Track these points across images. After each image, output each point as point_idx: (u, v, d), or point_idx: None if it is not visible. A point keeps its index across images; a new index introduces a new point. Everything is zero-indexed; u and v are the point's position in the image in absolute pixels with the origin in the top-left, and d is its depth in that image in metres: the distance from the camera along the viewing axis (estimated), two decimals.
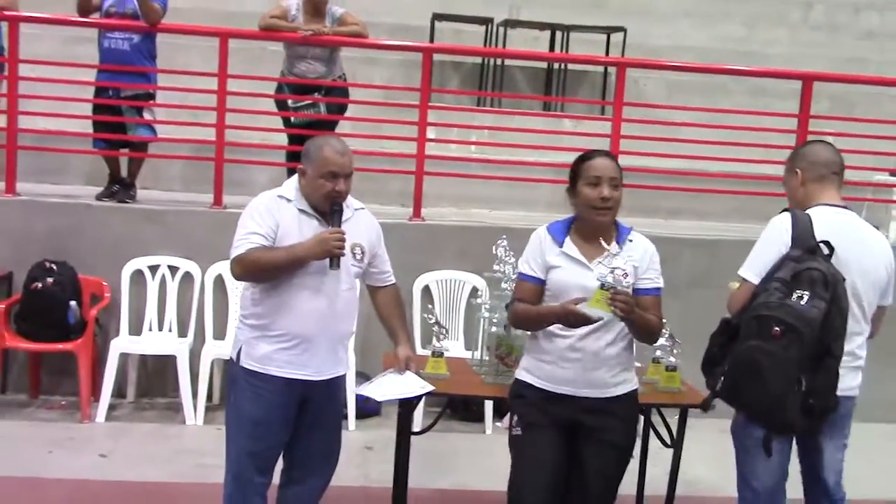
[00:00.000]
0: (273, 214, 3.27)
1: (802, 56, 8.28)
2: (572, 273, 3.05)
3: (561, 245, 3.10)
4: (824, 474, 3.37)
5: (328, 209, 3.30)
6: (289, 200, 3.31)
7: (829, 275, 3.04)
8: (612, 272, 2.87)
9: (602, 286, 2.85)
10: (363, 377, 5.49)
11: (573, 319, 2.93)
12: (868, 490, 4.91)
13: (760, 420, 3.14)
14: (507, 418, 5.63)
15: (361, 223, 3.44)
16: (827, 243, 3.13)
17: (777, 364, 2.94)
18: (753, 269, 3.20)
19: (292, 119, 6.10)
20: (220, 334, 5.59)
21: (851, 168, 6.57)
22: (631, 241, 3.10)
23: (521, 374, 3.21)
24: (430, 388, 3.46)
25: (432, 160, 6.10)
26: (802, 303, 2.96)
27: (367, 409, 5.48)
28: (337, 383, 3.45)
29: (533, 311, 3.10)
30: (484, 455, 5.19)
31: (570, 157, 6.69)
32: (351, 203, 3.41)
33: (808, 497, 3.44)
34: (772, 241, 3.23)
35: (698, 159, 6.44)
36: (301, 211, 3.30)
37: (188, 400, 5.38)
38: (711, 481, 4.82)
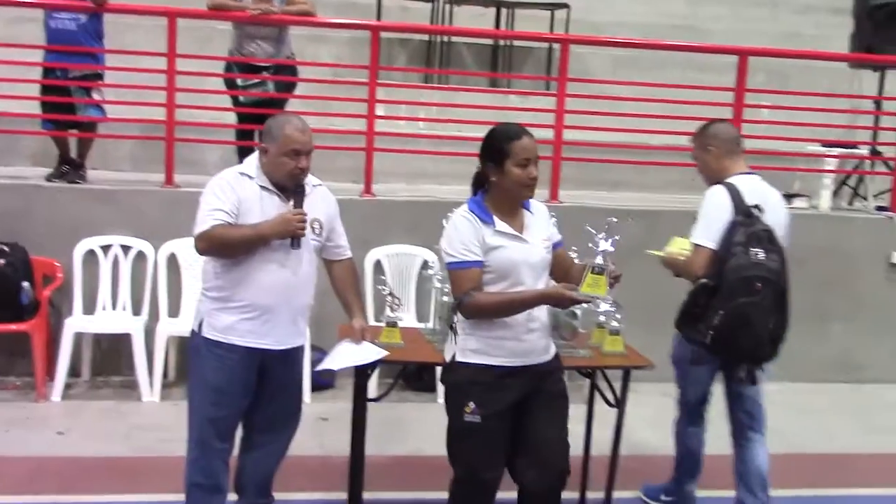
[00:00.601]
0: (235, 191, 3.37)
1: (743, 32, 8.51)
2: (516, 250, 3.11)
3: (491, 224, 3.10)
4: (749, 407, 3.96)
5: (291, 187, 3.41)
6: (250, 177, 3.42)
7: (771, 231, 3.67)
8: (601, 255, 3.00)
9: (593, 270, 2.97)
10: (317, 350, 5.61)
11: (567, 303, 3.05)
12: (798, 444, 5.20)
13: (746, 359, 3.74)
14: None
15: (319, 199, 3.56)
16: (757, 206, 3.65)
17: (760, 312, 3.59)
18: (707, 236, 3.68)
19: (241, 98, 6.14)
20: (174, 312, 5.65)
21: (785, 139, 6.95)
22: (532, 213, 3.22)
23: (471, 356, 3.15)
24: (384, 353, 3.60)
25: (382, 137, 6.19)
26: (762, 257, 3.58)
27: (322, 381, 5.59)
28: (296, 353, 3.59)
29: (507, 298, 3.07)
30: (437, 423, 5.26)
31: None
32: (309, 180, 3.52)
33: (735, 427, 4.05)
34: (718, 210, 3.71)
35: (640, 133, 6.63)
36: (262, 188, 3.41)
37: (144, 377, 5.44)
38: (654, 442, 5.03)
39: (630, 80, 7.10)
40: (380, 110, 6.21)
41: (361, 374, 3.73)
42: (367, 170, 6.13)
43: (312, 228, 3.47)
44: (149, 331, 5.52)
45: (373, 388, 4.80)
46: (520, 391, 3.16)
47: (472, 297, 3.04)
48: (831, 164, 6.97)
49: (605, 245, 3.05)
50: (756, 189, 3.81)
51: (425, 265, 5.82)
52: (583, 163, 6.64)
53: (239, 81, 6.10)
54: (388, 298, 3.99)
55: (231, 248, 3.36)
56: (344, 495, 4.14)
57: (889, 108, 7.06)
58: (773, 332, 3.68)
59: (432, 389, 5.72)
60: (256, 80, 6.06)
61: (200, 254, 3.44)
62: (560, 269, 3.28)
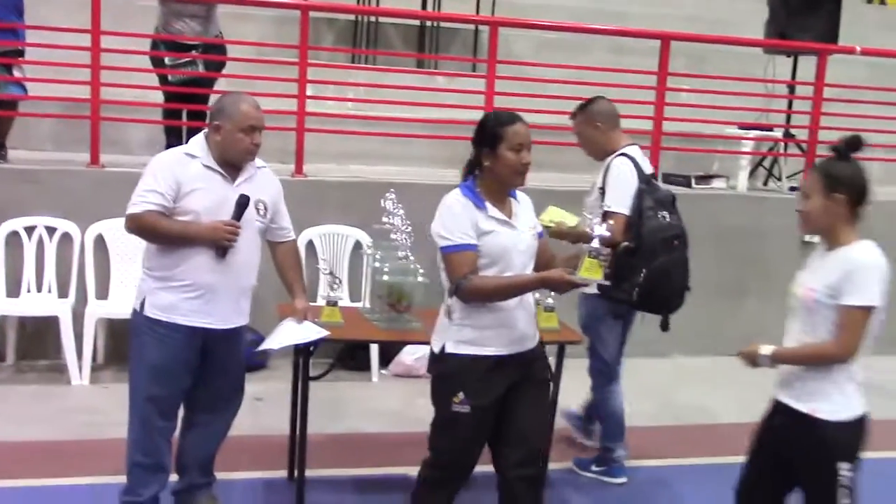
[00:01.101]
0: (174, 172, 3.37)
1: (662, 16, 8.73)
2: (508, 236, 3.12)
3: (484, 209, 3.11)
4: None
5: (243, 164, 3.44)
6: (195, 157, 3.41)
7: (673, 195, 4.17)
8: (597, 240, 3.04)
9: (590, 254, 3.02)
10: (251, 332, 5.61)
11: (566, 287, 3.08)
12: (716, 415, 5.43)
13: (664, 310, 4.17)
14: (392, 363, 5.88)
15: (264, 181, 3.59)
16: (653, 174, 4.18)
17: (678, 266, 4.09)
18: (623, 204, 4.06)
19: (169, 77, 6.05)
20: (102, 294, 5.57)
21: (705, 122, 7.18)
22: (518, 201, 3.26)
23: (463, 347, 3.12)
24: (326, 332, 3.65)
25: (311, 117, 6.18)
26: (670, 219, 4.06)
27: (255, 362, 5.58)
28: (238, 333, 3.61)
29: (507, 281, 3.08)
30: (373, 401, 5.42)
31: (445, 114, 6.96)
32: (254, 161, 3.54)
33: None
34: (627, 179, 4.11)
35: (565, 115, 6.75)
36: (206, 167, 3.41)
37: (73, 360, 5.36)
38: None
39: (555, 62, 7.24)
40: (308, 90, 6.20)
41: (303, 353, 3.76)
42: (298, 150, 6.12)
43: (257, 209, 3.50)
44: (77, 313, 5.43)
45: (309, 367, 4.83)
46: (509, 380, 3.16)
47: (470, 280, 3.03)
48: (748, 146, 7.24)
49: (601, 230, 3.08)
50: (644, 159, 4.26)
51: (358, 245, 5.86)
52: None
53: (167, 60, 6.01)
54: (328, 278, 4.03)
55: (157, 237, 3.41)
56: (283, 473, 4.19)
57: (802, 93, 7.36)
58: (683, 284, 4.14)
59: (366, 368, 5.78)
60: (186, 60, 5.98)
61: (129, 232, 3.47)
62: (542, 259, 3.29)
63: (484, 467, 3.33)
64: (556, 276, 3.04)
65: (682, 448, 4.95)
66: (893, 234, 7.05)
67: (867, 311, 2.84)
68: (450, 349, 3.14)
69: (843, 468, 2.90)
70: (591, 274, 3.01)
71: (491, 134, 3.12)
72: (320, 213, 5.98)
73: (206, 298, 3.41)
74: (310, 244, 5.89)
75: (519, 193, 3.30)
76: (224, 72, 6.31)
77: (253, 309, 5.51)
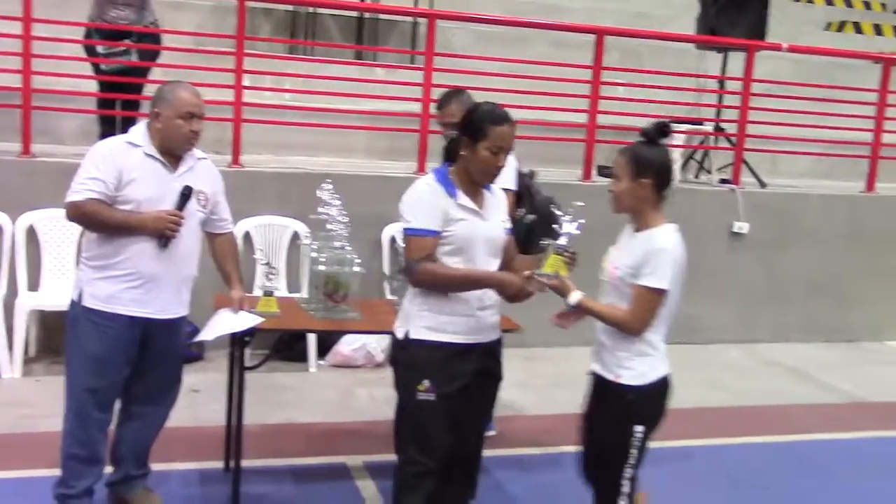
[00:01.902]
0: (115, 161, 3.35)
1: (598, 10, 8.88)
2: (476, 225, 3.08)
3: (455, 196, 3.06)
4: None
5: (182, 153, 3.43)
6: (137, 146, 3.40)
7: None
8: (564, 236, 3.05)
9: (556, 251, 3.03)
10: (186, 323, 5.57)
11: (519, 293, 3.03)
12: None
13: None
14: (330, 354, 5.90)
15: (204, 172, 3.59)
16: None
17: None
18: (514, 182, 4.24)
19: (103, 66, 5.97)
20: (34, 286, 5.48)
21: (638, 115, 7.30)
22: (492, 193, 3.23)
23: (426, 334, 3.08)
24: (260, 319, 3.67)
25: (248, 107, 6.16)
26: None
27: (191, 353, 5.57)
28: (178, 323, 3.60)
29: (462, 273, 3.04)
30: (310, 391, 5.44)
31: (383, 106, 6.98)
32: (194, 152, 3.54)
33: None
34: (511, 164, 4.15)
35: (503, 107, 6.83)
36: (148, 155, 3.40)
37: (4, 353, 5.27)
38: (520, 403, 5.31)
39: (493, 55, 7.31)
40: (245, 81, 6.17)
41: (238, 342, 3.77)
42: (234, 141, 6.09)
43: (198, 200, 3.51)
44: (7, 305, 5.34)
45: (246, 357, 4.83)
46: (473, 370, 3.14)
47: (425, 265, 3.01)
48: (679, 139, 7.40)
49: (570, 227, 3.08)
50: None
51: (295, 236, 5.87)
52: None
53: (100, 48, 5.92)
54: (265, 268, 4.04)
55: (99, 226, 3.39)
56: (220, 464, 4.19)
57: (731, 88, 7.55)
58: None
59: (303, 359, 5.80)
60: (120, 49, 5.89)
61: (69, 220, 3.44)
62: (504, 257, 3.24)
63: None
64: (512, 280, 3.03)
65: None
66: (822, 226, 7.40)
67: (658, 293, 2.98)
68: (414, 335, 3.09)
69: (637, 430, 3.07)
70: (557, 270, 3.02)
71: (477, 127, 3.05)
72: (257, 203, 5.96)
73: (147, 288, 3.40)
74: (246, 235, 5.87)
75: (494, 186, 3.26)
76: (159, 61, 6.24)
77: (193, 301, 5.51)
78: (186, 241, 3.47)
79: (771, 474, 4.65)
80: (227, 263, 3.74)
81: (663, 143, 3.09)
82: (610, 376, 3.09)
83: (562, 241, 3.05)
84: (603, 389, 3.14)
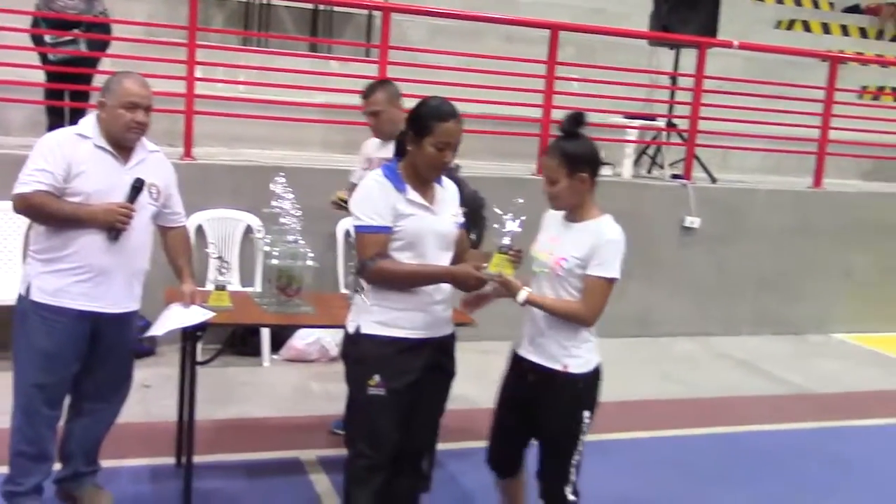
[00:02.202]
0: (64, 152, 3.28)
1: (553, 6, 8.92)
2: (425, 220, 3.06)
3: (404, 192, 3.04)
4: None
5: (129, 143, 3.37)
6: (86, 137, 3.34)
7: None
8: (508, 235, 3.05)
9: (500, 250, 3.04)
10: (138, 317, 5.50)
11: (474, 283, 3.04)
12: (605, 394, 5.61)
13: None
14: (284, 348, 5.87)
15: (156, 164, 3.53)
16: None
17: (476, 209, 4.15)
18: None
19: (50, 56, 5.85)
20: None
21: (592, 110, 7.34)
22: (443, 187, 3.22)
23: (378, 329, 3.06)
24: (211, 314, 3.63)
25: (200, 99, 6.09)
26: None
27: (142, 348, 5.49)
28: (129, 318, 3.55)
29: (414, 269, 3.03)
30: (264, 386, 5.40)
31: (338, 99, 6.95)
32: (146, 144, 3.49)
33: None
34: None
35: (457, 101, 6.83)
36: (98, 147, 3.34)
37: None
38: (475, 396, 5.30)
39: (448, 49, 7.31)
40: (198, 72, 6.09)
41: (190, 337, 3.73)
42: (186, 133, 6.02)
43: (150, 193, 3.45)
44: None
45: (198, 353, 4.78)
46: (424, 365, 3.12)
47: (377, 262, 2.99)
48: (632, 135, 7.48)
49: (512, 226, 3.09)
50: None
51: (249, 230, 5.81)
52: None
53: (48, 38, 5.80)
54: (217, 262, 3.99)
55: (47, 218, 3.32)
56: (172, 460, 4.15)
57: (683, 84, 7.64)
58: None
59: (256, 353, 5.75)
60: (68, 38, 5.79)
61: (16, 212, 3.37)
62: (458, 249, 3.25)
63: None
64: (464, 272, 3.03)
65: None
66: (771, 221, 7.53)
67: (611, 282, 3.07)
68: (365, 330, 3.08)
69: (586, 416, 3.17)
70: (502, 269, 3.03)
71: (422, 123, 3.04)
72: (210, 196, 5.90)
73: (97, 282, 3.34)
74: (199, 228, 5.81)
75: (445, 180, 3.25)
76: (109, 52, 6.14)
77: (144, 296, 5.43)
78: (137, 235, 3.42)
79: (722, 464, 4.73)
80: (179, 258, 3.70)
81: (584, 134, 3.13)
82: (557, 366, 3.12)
83: (505, 240, 3.06)
84: (548, 380, 3.16)
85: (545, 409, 3.20)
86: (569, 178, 3.05)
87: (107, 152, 3.36)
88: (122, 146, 3.39)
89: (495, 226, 3.14)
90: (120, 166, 3.38)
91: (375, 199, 3.02)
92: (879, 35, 11.92)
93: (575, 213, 3.13)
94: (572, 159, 3.05)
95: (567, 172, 3.05)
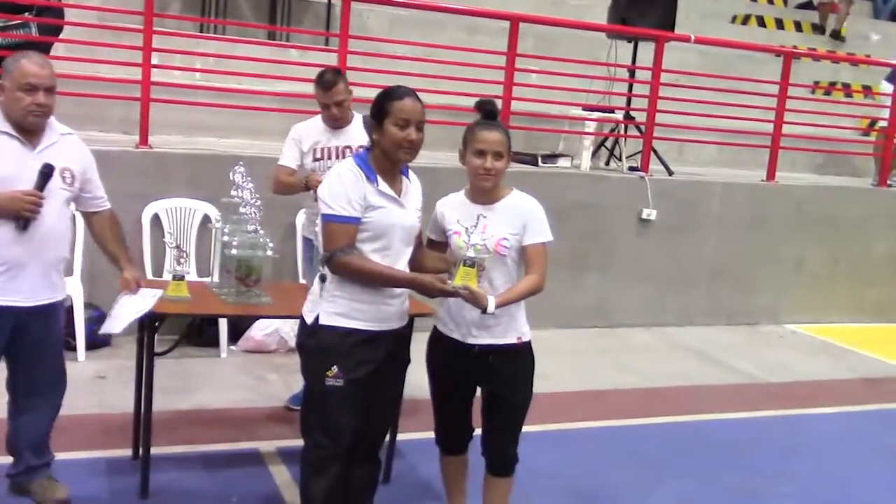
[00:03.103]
0: None
1: None
2: (394, 213, 3.06)
3: (375, 182, 3.03)
4: None
5: (32, 127, 3.26)
6: None
7: None
8: (473, 248, 3.06)
9: (465, 263, 3.04)
10: (92, 308, 5.44)
11: (437, 295, 3.07)
12: (560, 384, 5.68)
13: None
14: (242, 339, 5.82)
15: (69, 148, 3.41)
16: None
17: None
18: None
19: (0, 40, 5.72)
20: None
21: (551, 102, 7.41)
22: (410, 181, 3.21)
23: (337, 320, 3.05)
24: (159, 291, 3.59)
25: (157, 87, 6.00)
26: None
27: (97, 339, 5.43)
28: (53, 309, 3.43)
29: (380, 270, 3.03)
30: (222, 377, 5.35)
31: (297, 87, 6.90)
32: (57, 127, 3.38)
33: None
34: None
35: (418, 92, 6.82)
36: (2, 132, 3.24)
37: None
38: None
39: (408, 39, 7.29)
40: (154, 59, 6.00)
41: (148, 328, 3.68)
42: (142, 121, 5.92)
43: (63, 178, 3.33)
44: None
45: (155, 343, 4.73)
46: (382, 355, 3.13)
47: (346, 254, 2.99)
48: (591, 127, 7.53)
49: (476, 238, 3.10)
50: None
51: (206, 219, 5.75)
52: None
53: None
54: (175, 252, 3.95)
55: None
56: (128, 452, 4.10)
57: (641, 77, 7.71)
58: None
59: (214, 344, 5.70)
60: (18, 22, 5.66)
61: None
62: (415, 242, 3.25)
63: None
64: (430, 284, 3.04)
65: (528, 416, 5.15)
66: (725, 213, 7.63)
67: (547, 244, 3.26)
68: (324, 321, 3.06)
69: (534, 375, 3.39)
70: (468, 281, 3.05)
71: (379, 107, 3.06)
72: (167, 186, 5.82)
73: (11, 274, 3.23)
74: (155, 218, 5.74)
75: (411, 173, 3.25)
76: (62, 37, 6.02)
77: (98, 285, 5.36)
78: (50, 223, 3.28)
79: (678, 452, 4.80)
80: (108, 243, 3.57)
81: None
82: (513, 340, 3.29)
83: (470, 252, 3.08)
84: (507, 355, 3.29)
85: (507, 381, 3.33)
86: (509, 156, 3.23)
87: (12, 137, 3.24)
88: (28, 130, 3.27)
89: (461, 238, 3.16)
90: (28, 151, 3.26)
91: (348, 188, 3.00)
92: (821, 31, 12.06)
93: (490, 194, 3.25)
94: (509, 138, 3.22)
95: (508, 150, 3.22)
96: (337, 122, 4.57)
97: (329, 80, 4.54)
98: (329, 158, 4.58)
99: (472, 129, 3.26)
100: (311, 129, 4.67)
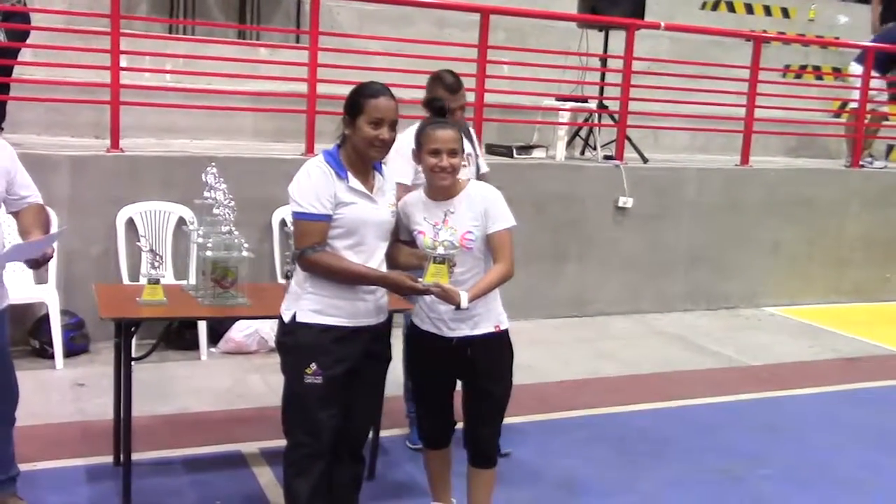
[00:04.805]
0: None
1: None
2: (366, 209, 3.04)
3: (345, 179, 3.02)
4: None
5: None
6: None
7: None
8: (441, 245, 3.06)
9: (435, 260, 3.04)
10: (69, 315, 5.39)
11: (408, 292, 3.13)
12: (540, 373, 5.70)
13: None
14: (222, 341, 5.79)
15: None
16: None
17: None
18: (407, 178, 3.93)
19: None
20: None
21: (524, 94, 7.42)
22: (383, 177, 3.18)
23: (314, 317, 3.04)
24: (63, 227, 3.48)
25: (126, 90, 5.94)
26: None
27: (75, 346, 5.39)
28: None
29: (350, 267, 3.01)
30: (203, 379, 5.32)
31: (268, 86, 6.86)
32: None
33: None
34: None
35: (390, 87, 6.80)
36: None
37: None
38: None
39: (378, 34, 7.26)
40: (123, 62, 5.94)
41: (125, 332, 3.65)
42: (113, 124, 5.86)
43: None
44: None
45: (133, 348, 4.69)
46: (361, 352, 3.12)
47: (316, 252, 2.98)
48: (565, 117, 7.54)
49: (446, 235, 3.10)
50: None
51: (181, 222, 5.71)
52: (335, 116, 6.73)
53: None
54: (149, 255, 3.92)
55: None
56: (109, 459, 4.06)
57: (613, 66, 7.73)
58: None
59: (194, 347, 5.67)
60: None
61: None
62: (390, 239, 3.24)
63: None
64: (401, 282, 3.07)
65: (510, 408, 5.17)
66: (700, 199, 7.67)
67: (512, 229, 3.27)
68: (301, 319, 3.05)
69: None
70: (437, 279, 3.05)
71: (353, 103, 3.04)
72: (139, 189, 5.77)
73: None
74: (130, 222, 5.68)
75: (386, 170, 3.22)
76: (29, 41, 5.96)
77: (71, 290, 5.31)
78: None
79: (660, 438, 4.82)
80: (27, 224, 3.30)
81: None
82: (491, 329, 3.30)
83: (440, 249, 3.09)
84: (486, 345, 3.30)
85: (486, 373, 3.35)
86: (462, 150, 3.26)
87: None
88: None
89: (430, 237, 3.17)
90: None
91: (318, 185, 2.98)
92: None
93: (450, 190, 3.25)
94: (462, 133, 3.26)
95: (462, 145, 3.24)
96: None
97: (454, 83, 4.38)
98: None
99: (424, 129, 3.25)
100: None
